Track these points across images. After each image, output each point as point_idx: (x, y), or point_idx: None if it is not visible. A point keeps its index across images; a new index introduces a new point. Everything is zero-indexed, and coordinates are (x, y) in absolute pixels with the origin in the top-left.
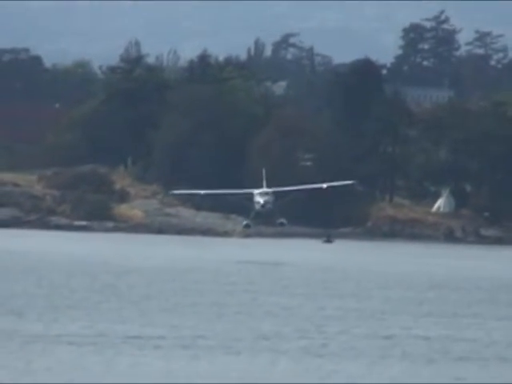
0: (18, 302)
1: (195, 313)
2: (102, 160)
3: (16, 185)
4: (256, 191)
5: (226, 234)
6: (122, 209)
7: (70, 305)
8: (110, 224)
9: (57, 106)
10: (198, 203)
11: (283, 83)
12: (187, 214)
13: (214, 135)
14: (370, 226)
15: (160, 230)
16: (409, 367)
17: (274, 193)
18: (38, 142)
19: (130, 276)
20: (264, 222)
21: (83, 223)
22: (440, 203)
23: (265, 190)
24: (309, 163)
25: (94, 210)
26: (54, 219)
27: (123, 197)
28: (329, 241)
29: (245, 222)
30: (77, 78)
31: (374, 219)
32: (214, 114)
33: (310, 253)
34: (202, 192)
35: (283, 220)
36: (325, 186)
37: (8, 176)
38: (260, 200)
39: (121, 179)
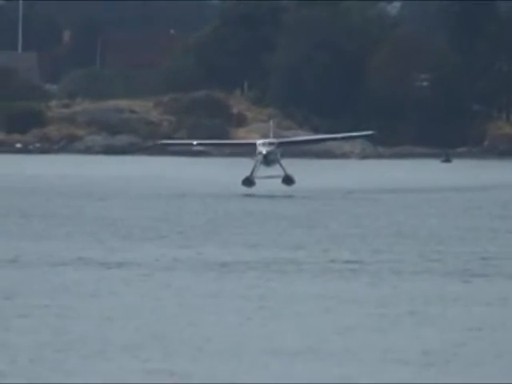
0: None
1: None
2: (217, 85)
3: (133, 111)
4: (259, 141)
5: (343, 155)
6: (240, 133)
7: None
8: (228, 149)
9: (172, 31)
10: (315, 125)
11: (397, 3)
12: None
13: (330, 57)
14: (487, 144)
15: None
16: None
17: (279, 144)
18: (154, 69)
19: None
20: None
21: (201, 148)
22: None
23: (269, 140)
24: (425, 83)
25: (212, 135)
26: None
27: (240, 121)
28: (447, 160)
29: (244, 178)
30: (192, 3)
31: (491, 138)
32: (329, 35)
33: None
34: (195, 142)
35: (289, 174)
36: (340, 136)
37: (124, 102)
38: (262, 150)
39: (237, 103)
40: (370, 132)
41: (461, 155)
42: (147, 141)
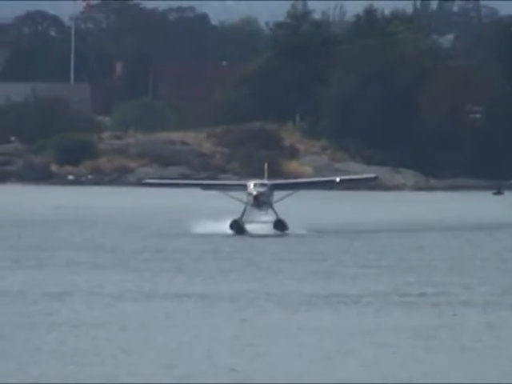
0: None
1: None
2: (269, 117)
3: (185, 143)
4: (250, 182)
5: (395, 187)
6: (292, 165)
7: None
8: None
9: (224, 63)
10: (367, 157)
11: (450, 36)
12: (357, 168)
13: (382, 89)
14: None
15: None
16: None
17: (272, 186)
18: (206, 100)
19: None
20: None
21: None
22: None
23: (262, 181)
24: (478, 115)
25: (263, 167)
26: (224, 177)
27: (292, 153)
28: (499, 192)
29: (231, 221)
30: (244, 35)
31: None
32: (381, 67)
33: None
34: (182, 183)
35: (281, 218)
36: (338, 179)
37: (177, 135)
38: (253, 191)
39: (290, 135)
40: (372, 175)
41: None
42: (200, 173)
